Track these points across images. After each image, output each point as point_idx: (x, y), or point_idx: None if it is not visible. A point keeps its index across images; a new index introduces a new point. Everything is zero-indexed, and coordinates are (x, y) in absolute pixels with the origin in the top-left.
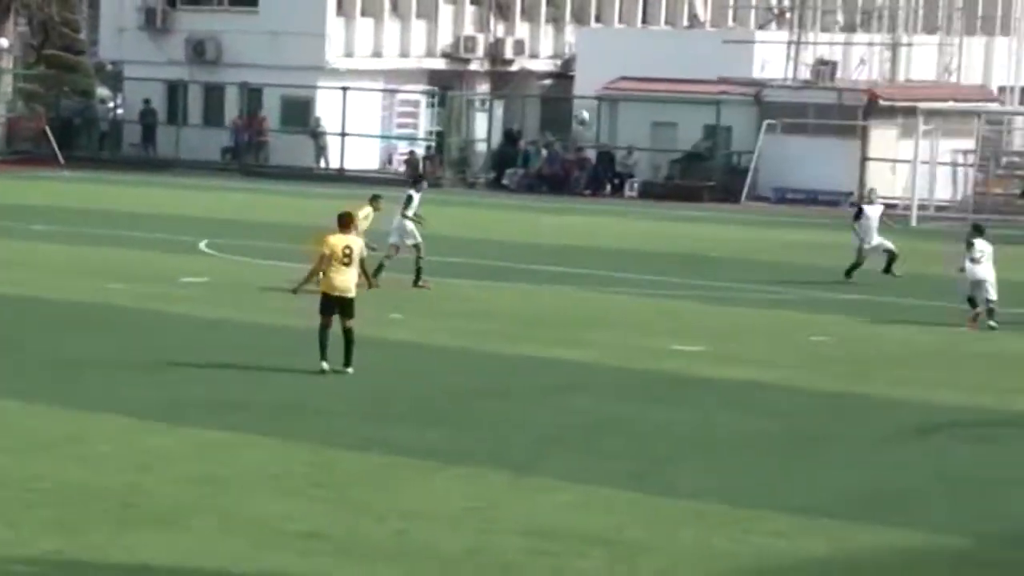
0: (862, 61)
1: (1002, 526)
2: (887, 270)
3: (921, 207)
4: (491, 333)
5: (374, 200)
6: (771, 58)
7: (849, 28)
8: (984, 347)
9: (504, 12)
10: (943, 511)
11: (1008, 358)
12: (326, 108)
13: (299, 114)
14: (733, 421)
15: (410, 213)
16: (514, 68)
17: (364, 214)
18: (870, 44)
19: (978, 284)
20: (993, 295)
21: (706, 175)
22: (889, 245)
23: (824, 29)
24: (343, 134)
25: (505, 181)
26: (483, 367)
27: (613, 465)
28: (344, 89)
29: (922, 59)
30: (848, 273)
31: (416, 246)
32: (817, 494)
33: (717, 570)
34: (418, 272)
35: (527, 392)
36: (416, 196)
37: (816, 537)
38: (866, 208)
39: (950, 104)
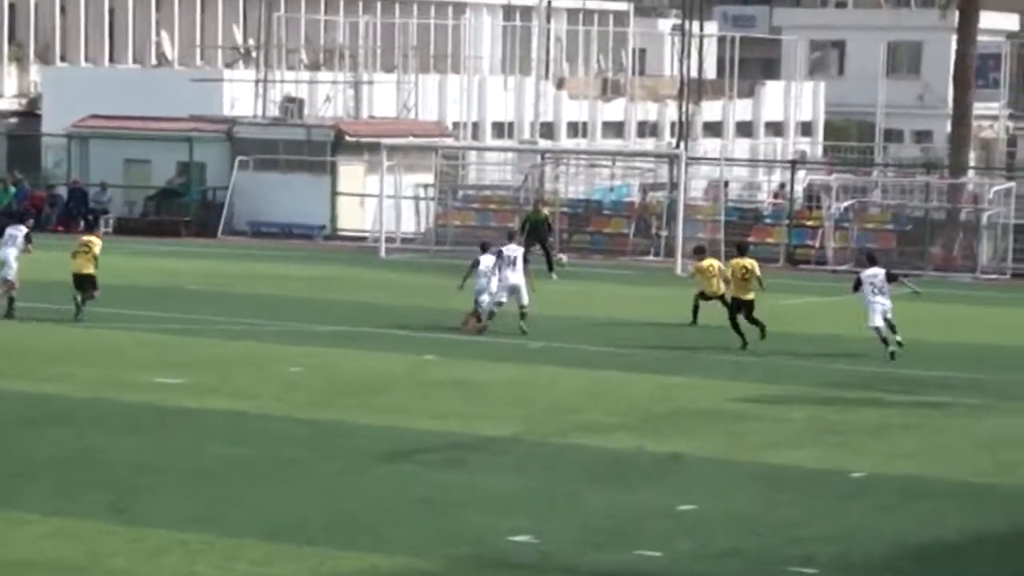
0: (328, 99)
1: (470, 547)
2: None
3: (389, 239)
4: None
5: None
6: (241, 96)
7: (314, 67)
8: (448, 375)
9: None
10: (415, 534)
11: (472, 386)
12: None
13: None
14: (214, 451)
15: None
16: None
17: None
18: (334, 82)
19: None
20: None
21: (182, 211)
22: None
23: (290, 67)
24: None
25: None
26: None
27: (91, 496)
28: None
29: (383, 96)
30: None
31: None
32: (297, 520)
33: None
34: None
35: (1, 427)
36: None
37: (299, 564)
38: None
39: (409, 139)
